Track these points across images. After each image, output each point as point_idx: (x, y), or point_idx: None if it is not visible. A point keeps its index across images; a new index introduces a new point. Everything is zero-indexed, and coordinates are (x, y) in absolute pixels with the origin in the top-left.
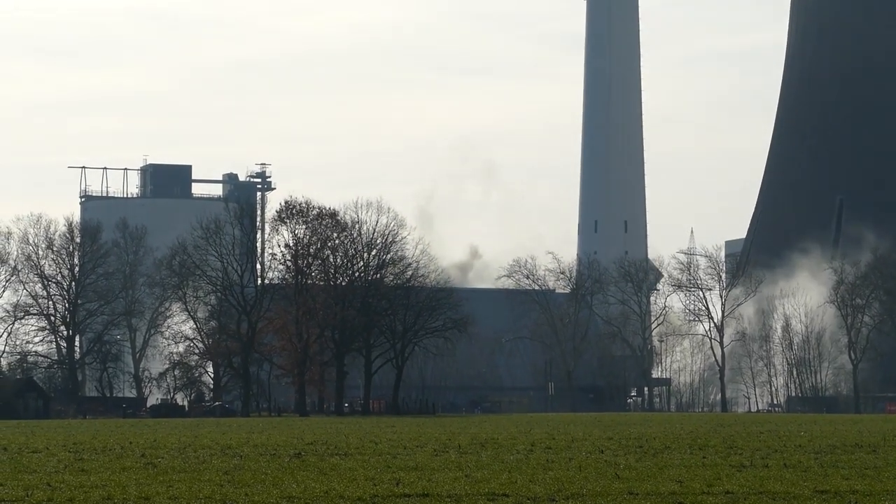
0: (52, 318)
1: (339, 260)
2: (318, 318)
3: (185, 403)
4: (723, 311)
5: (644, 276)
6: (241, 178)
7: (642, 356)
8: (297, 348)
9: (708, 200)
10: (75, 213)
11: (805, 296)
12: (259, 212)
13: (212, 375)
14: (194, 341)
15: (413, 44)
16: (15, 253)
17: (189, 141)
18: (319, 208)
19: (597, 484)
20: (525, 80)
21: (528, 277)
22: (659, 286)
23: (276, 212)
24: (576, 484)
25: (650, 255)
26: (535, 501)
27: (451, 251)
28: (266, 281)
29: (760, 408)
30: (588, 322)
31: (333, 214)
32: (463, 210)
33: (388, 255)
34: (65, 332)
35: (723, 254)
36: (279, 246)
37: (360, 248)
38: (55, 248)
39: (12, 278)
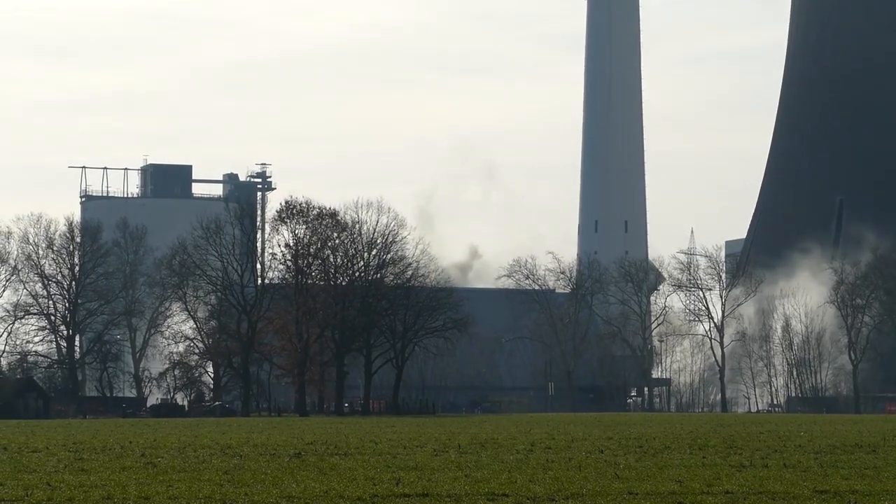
0: (53, 317)
1: (339, 260)
2: (318, 317)
3: (185, 403)
4: (723, 312)
5: (644, 276)
6: (242, 178)
7: (642, 356)
8: (297, 348)
9: (708, 200)
10: (75, 213)
11: (805, 296)
12: (259, 212)
13: (212, 375)
14: (194, 341)
15: (413, 44)
16: (15, 252)
17: (189, 141)
18: (320, 208)
19: (597, 484)
20: (525, 80)
21: (528, 277)
22: (660, 288)
23: (277, 212)
24: (576, 484)
25: (650, 256)
26: (535, 501)
27: (451, 251)
28: (266, 281)
29: (760, 408)
30: (588, 322)
31: (333, 214)
32: (463, 210)
33: (389, 255)
34: (65, 332)
35: (723, 254)
36: (279, 246)
37: (360, 247)
38: (55, 248)
39: (12, 278)
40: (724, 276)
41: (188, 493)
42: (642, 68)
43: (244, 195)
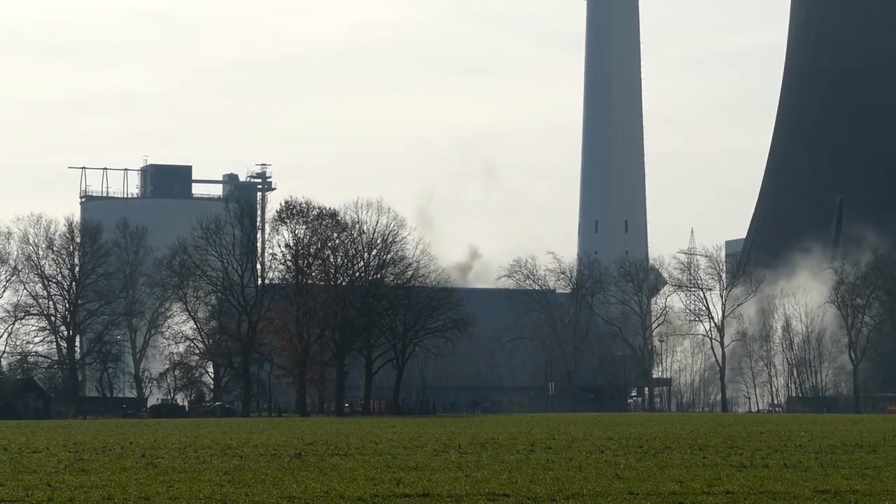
0: (53, 318)
1: (339, 260)
2: (318, 318)
3: (186, 404)
4: (723, 311)
5: (644, 275)
6: (242, 178)
7: (643, 356)
8: (297, 348)
9: (708, 200)
10: (75, 213)
11: (805, 296)
12: (259, 212)
13: (212, 375)
14: (194, 341)
15: (413, 44)
16: (15, 253)
17: (189, 141)
18: (320, 208)
19: (597, 484)
20: (525, 80)
21: (528, 277)
22: (661, 290)
23: (277, 212)
24: (576, 484)
25: (650, 256)
26: (536, 501)
27: (451, 252)
28: (266, 281)
29: (761, 408)
30: (588, 322)
31: (333, 214)
32: (463, 210)
33: (389, 255)
34: (65, 333)
35: (723, 254)
36: (279, 246)
37: (360, 248)
38: (55, 248)
39: (12, 278)
40: (724, 275)
41: (188, 493)
42: (642, 68)
43: (244, 195)
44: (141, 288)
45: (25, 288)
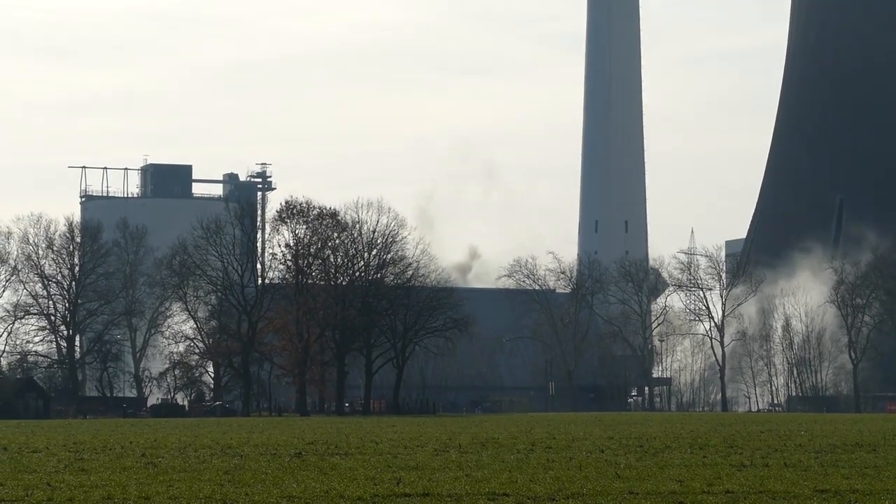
0: (53, 317)
1: (339, 260)
2: (318, 317)
3: (186, 403)
4: (723, 311)
5: (644, 275)
6: (242, 177)
7: (643, 356)
8: (297, 348)
9: (708, 200)
10: (75, 213)
11: (805, 295)
12: (259, 212)
13: (212, 375)
14: (195, 341)
15: (413, 44)
16: (15, 253)
17: (189, 141)
18: (320, 208)
19: (597, 483)
20: (525, 80)
21: (528, 277)
22: (665, 292)
23: (277, 212)
24: (576, 483)
25: (651, 256)
26: (536, 501)
27: (451, 252)
28: (266, 281)
29: (761, 407)
30: (588, 322)
31: (334, 214)
32: (463, 210)
33: (389, 255)
34: (65, 332)
35: (723, 253)
36: (279, 246)
37: (360, 247)
38: (55, 248)
39: (12, 278)
40: (724, 275)
41: (188, 493)
42: (642, 68)
43: (244, 195)
44: (141, 287)
45: (25, 287)
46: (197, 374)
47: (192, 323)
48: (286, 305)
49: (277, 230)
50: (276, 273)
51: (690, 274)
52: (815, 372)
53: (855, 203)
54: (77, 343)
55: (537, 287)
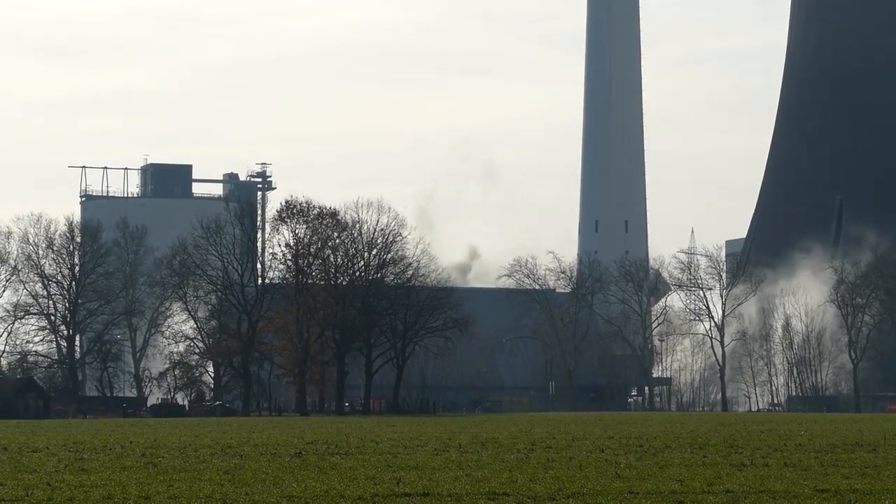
0: (53, 317)
1: (339, 259)
2: (318, 317)
3: (186, 403)
4: (723, 311)
5: (644, 275)
6: (242, 177)
7: (643, 355)
8: (297, 348)
9: (708, 200)
10: (75, 213)
11: (805, 295)
12: (259, 211)
13: (212, 375)
14: (195, 341)
15: (413, 44)
16: (15, 253)
17: (189, 141)
18: (320, 208)
19: (597, 483)
20: (525, 80)
21: (528, 277)
22: (664, 294)
23: (277, 211)
24: (576, 483)
25: (651, 256)
26: (536, 500)
27: (451, 252)
28: (266, 280)
29: (761, 407)
30: (588, 321)
31: (334, 214)
32: (463, 210)
33: (389, 255)
34: (65, 332)
35: (723, 253)
36: (280, 245)
37: (360, 247)
38: (55, 248)
39: (12, 278)
40: (724, 275)
41: (189, 492)
42: (642, 68)
43: (244, 195)
44: (141, 287)
45: (25, 287)
46: (197, 374)
47: (192, 323)
48: (286, 305)
49: (277, 230)
50: (276, 273)
51: (690, 274)
52: (815, 372)
53: (855, 203)
54: (77, 343)
55: (537, 287)
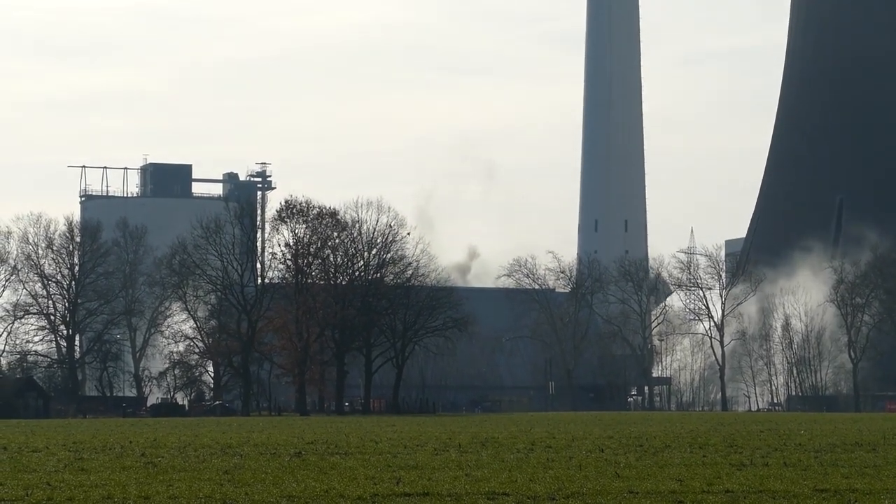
0: (52, 317)
1: (339, 259)
2: (318, 317)
3: (186, 403)
4: (723, 311)
5: (644, 275)
6: (242, 177)
7: (642, 355)
8: (297, 347)
9: (708, 200)
10: (75, 213)
11: (805, 295)
12: (259, 211)
13: (212, 375)
14: (194, 340)
15: (413, 44)
16: (15, 252)
17: (189, 140)
18: (320, 208)
19: (597, 483)
20: (525, 80)
21: (528, 276)
22: (662, 289)
23: (277, 211)
24: (576, 483)
25: (650, 256)
26: (536, 500)
27: (450, 252)
28: (266, 280)
29: (760, 406)
30: (588, 321)
31: (333, 214)
32: (463, 210)
33: (389, 255)
34: (65, 332)
35: (723, 253)
36: (279, 245)
37: (360, 247)
38: (55, 248)
39: (12, 278)
40: (724, 275)
41: (188, 492)
42: (642, 68)
43: (244, 194)
44: (141, 287)
45: (25, 287)
46: (197, 374)
47: (191, 322)
48: (286, 305)
49: (277, 230)
50: (276, 272)
51: (690, 273)
52: (814, 371)
53: (855, 203)
54: (77, 343)
55: (537, 286)
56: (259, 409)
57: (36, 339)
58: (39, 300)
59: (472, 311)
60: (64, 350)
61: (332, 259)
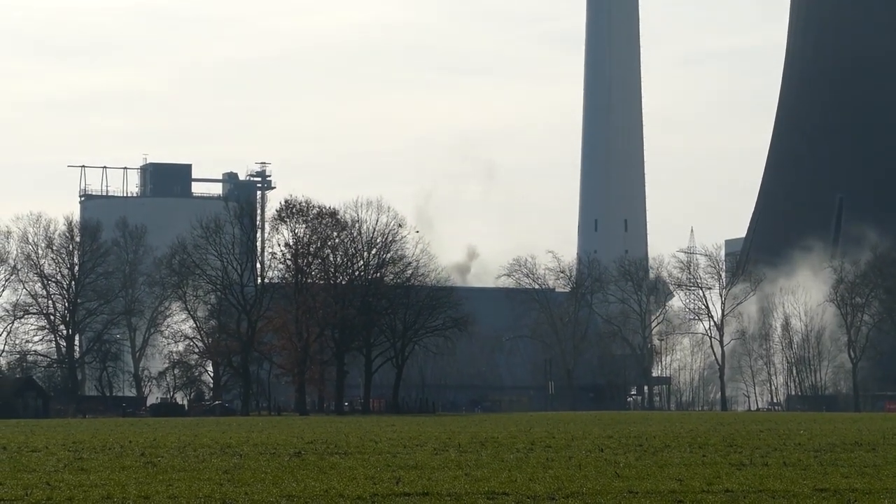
0: (52, 317)
1: (339, 259)
2: (318, 317)
3: (185, 402)
4: (723, 310)
5: (644, 274)
6: (241, 177)
7: (642, 355)
8: (296, 347)
9: (708, 200)
10: (75, 213)
11: (805, 294)
12: (259, 211)
13: (211, 374)
14: (194, 340)
15: (413, 44)
16: (15, 252)
17: (189, 140)
18: (319, 207)
19: (596, 482)
20: (525, 80)
21: (528, 276)
22: (662, 289)
23: (276, 211)
24: (575, 482)
25: (650, 256)
26: (535, 500)
27: (450, 252)
28: (266, 280)
29: (760, 406)
30: (588, 321)
31: (333, 213)
32: (463, 210)
33: (388, 255)
34: (64, 332)
35: (723, 253)
36: (279, 245)
37: (360, 247)
38: (55, 248)
39: (12, 277)
40: (723, 274)
41: (188, 492)
42: (642, 68)
43: (244, 194)
44: (140, 287)
45: (25, 287)
46: (196, 374)
47: (191, 322)
48: (286, 305)
49: (277, 229)
50: (276, 272)
51: (690, 273)
52: (814, 371)
53: (855, 203)
54: (76, 342)
55: (537, 286)
56: (259, 409)
57: (36, 338)
58: (39, 300)
59: (472, 310)
60: (63, 350)
61: (331, 259)
